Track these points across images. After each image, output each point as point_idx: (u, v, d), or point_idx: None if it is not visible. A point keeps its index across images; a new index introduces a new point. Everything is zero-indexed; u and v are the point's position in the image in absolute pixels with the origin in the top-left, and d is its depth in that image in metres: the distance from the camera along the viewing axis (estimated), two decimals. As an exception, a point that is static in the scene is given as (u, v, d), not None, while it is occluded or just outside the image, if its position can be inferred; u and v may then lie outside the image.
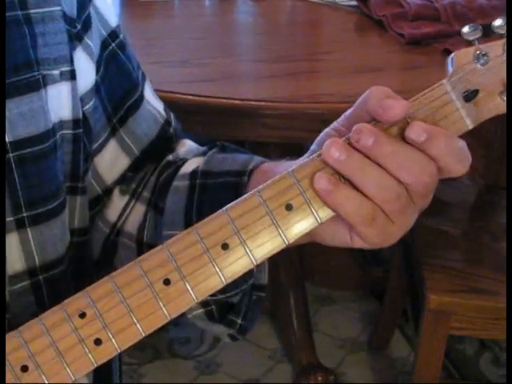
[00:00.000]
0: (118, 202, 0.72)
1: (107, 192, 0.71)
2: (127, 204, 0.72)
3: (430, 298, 1.34)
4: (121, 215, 0.72)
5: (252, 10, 1.80)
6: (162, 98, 1.29)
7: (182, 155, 0.73)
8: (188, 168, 0.68)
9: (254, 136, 1.33)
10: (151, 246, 0.68)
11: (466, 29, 0.55)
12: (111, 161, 0.71)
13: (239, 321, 0.68)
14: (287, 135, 1.31)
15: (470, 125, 0.54)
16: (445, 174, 0.54)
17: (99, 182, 0.71)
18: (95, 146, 0.69)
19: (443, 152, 0.51)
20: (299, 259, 1.83)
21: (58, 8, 0.62)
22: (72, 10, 0.63)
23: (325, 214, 0.52)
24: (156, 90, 1.28)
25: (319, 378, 1.74)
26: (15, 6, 0.59)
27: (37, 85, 0.60)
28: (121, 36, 0.71)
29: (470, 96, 0.54)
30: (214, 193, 0.64)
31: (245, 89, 1.36)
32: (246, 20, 1.80)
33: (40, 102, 0.60)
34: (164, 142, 0.75)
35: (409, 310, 1.70)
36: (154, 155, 0.73)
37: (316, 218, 0.52)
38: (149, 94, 0.75)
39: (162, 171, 0.71)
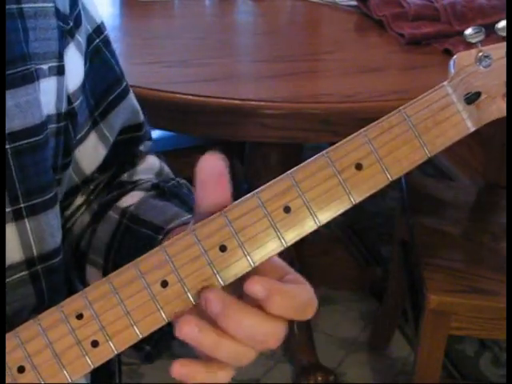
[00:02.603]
0: (77, 199, 0.73)
1: (85, 182, 0.73)
2: (81, 205, 0.73)
3: (429, 298, 1.34)
4: (72, 214, 0.73)
5: (252, 10, 1.80)
6: (162, 98, 1.29)
7: (136, 175, 0.74)
8: (126, 202, 0.69)
9: (254, 136, 1.33)
10: (83, 255, 0.70)
11: (468, 31, 0.54)
12: (91, 152, 0.72)
13: (148, 348, 0.68)
14: (287, 135, 1.31)
15: (471, 127, 0.53)
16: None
17: (78, 173, 0.72)
18: (77, 137, 0.70)
19: (284, 311, 0.51)
20: (299, 259, 1.83)
21: (51, 4, 0.62)
22: (65, 7, 0.64)
23: (324, 216, 0.52)
24: (156, 90, 1.29)
25: (319, 378, 1.74)
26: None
27: (31, 77, 0.60)
28: (105, 32, 0.72)
29: (471, 98, 0.53)
30: (133, 239, 0.65)
31: (245, 89, 1.36)
32: (246, 20, 1.80)
33: (35, 93, 0.61)
34: (134, 140, 0.76)
35: (409, 309, 1.70)
36: (122, 152, 0.74)
37: (315, 221, 0.52)
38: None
39: (112, 190, 0.72)
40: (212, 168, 0.51)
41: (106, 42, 0.71)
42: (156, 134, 1.64)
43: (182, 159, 1.86)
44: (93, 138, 0.71)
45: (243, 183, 1.78)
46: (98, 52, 0.70)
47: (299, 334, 1.79)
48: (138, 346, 0.67)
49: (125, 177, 0.74)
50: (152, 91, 1.25)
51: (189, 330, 0.50)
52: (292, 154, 1.71)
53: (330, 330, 1.94)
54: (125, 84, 0.74)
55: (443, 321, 1.37)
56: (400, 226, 1.70)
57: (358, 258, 2.17)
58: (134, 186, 0.72)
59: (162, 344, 0.68)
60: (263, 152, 1.72)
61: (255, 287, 0.50)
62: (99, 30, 0.71)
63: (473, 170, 2.49)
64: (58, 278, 0.65)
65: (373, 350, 1.89)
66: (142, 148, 0.77)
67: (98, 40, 0.70)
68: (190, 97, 1.26)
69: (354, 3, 1.74)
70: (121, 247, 0.66)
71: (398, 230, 1.73)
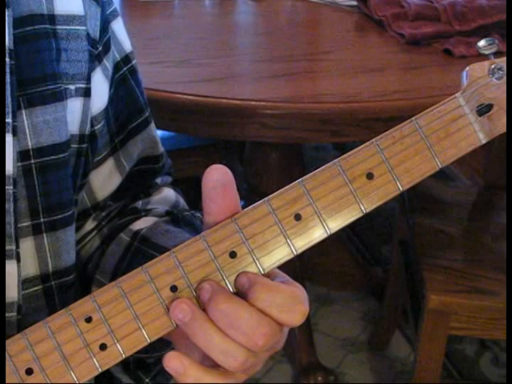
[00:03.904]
0: (88, 223, 0.73)
1: (95, 207, 0.73)
2: (92, 230, 0.73)
3: (429, 298, 1.34)
4: (83, 238, 0.73)
5: (252, 10, 1.80)
6: (162, 98, 1.29)
7: (151, 204, 0.74)
8: (138, 225, 0.70)
9: (254, 136, 1.33)
10: (90, 277, 0.70)
11: (482, 43, 0.54)
12: (105, 177, 0.72)
13: (147, 380, 0.68)
14: (287, 135, 1.31)
15: (483, 139, 0.53)
16: (283, 325, 0.52)
17: (90, 197, 0.72)
18: (94, 161, 0.70)
19: (266, 304, 0.50)
20: (299, 259, 1.83)
21: (83, 28, 0.64)
22: (95, 32, 0.65)
23: (335, 224, 0.52)
24: (156, 90, 1.29)
25: (319, 378, 1.74)
26: (45, 20, 0.61)
27: (61, 96, 0.61)
28: (133, 62, 0.72)
29: (483, 110, 0.53)
30: (142, 261, 0.65)
31: (245, 89, 1.36)
32: (246, 20, 1.80)
33: (63, 112, 0.61)
34: (151, 171, 0.76)
35: (409, 310, 1.70)
36: (137, 182, 0.74)
37: (325, 229, 0.52)
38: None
39: (124, 216, 0.73)
40: (218, 178, 0.51)
41: (133, 71, 0.72)
42: (156, 134, 1.64)
43: (182, 159, 1.87)
44: (110, 163, 0.72)
45: (243, 183, 1.78)
46: (124, 81, 0.71)
47: (299, 334, 1.79)
48: (137, 378, 0.68)
49: (139, 204, 0.74)
50: (152, 91, 1.25)
51: (182, 314, 0.50)
52: (292, 154, 1.71)
53: (330, 330, 1.94)
54: (147, 114, 0.74)
55: (443, 321, 1.37)
56: (400, 226, 1.70)
57: (358, 258, 2.17)
58: (147, 212, 0.73)
59: (161, 377, 0.69)
60: (263, 152, 1.72)
61: (242, 279, 0.51)
62: (127, 58, 0.71)
63: (473, 170, 2.49)
64: (70, 295, 0.65)
65: (373, 350, 1.89)
66: (158, 181, 0.77)
67: (125, 68, 0.71)
68: (190, 97, 1.26)
69: (354, 3, 1.74)
70: (128, 269, 0.66)
71: (398, 230, 1.73)
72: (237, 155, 2.31)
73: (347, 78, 1.40)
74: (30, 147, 0.59)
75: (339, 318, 1.98)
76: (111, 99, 0.69)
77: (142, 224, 0.70)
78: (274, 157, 1.69)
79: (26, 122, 0.59)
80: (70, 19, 0.62)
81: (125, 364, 0.68)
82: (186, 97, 1.26)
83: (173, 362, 0.51)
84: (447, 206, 1.64)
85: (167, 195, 0.76)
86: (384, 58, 1.51)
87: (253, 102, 1.26)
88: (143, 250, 0.67)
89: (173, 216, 0.72)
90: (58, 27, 0.62)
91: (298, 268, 1.86)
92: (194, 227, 0.70)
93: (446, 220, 1.57)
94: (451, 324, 1.37)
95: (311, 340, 1.81)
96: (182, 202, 0.77)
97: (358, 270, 2.12)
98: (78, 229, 0.72)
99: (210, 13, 1.82)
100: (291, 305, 0.51)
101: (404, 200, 1.64)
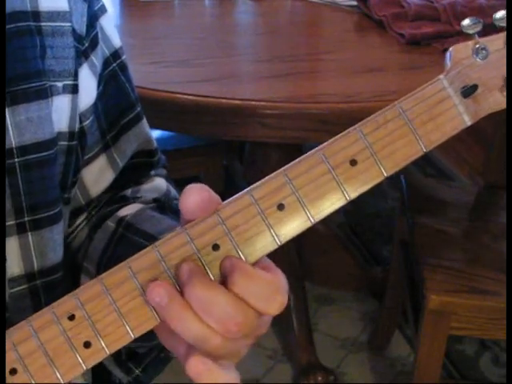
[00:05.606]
0: (80, 217, 0.73)
1: (89, 204, 0.73)
2: (82, 221, 0.73)
3: (429, 298, 1.34)
4: (74, 230, 0.73)
5: (252, 10, 1.80)
6: (162, 98, 1.29)
7: (140, 192, 0.74)
8: (124, 212, 0.70)
9: (254, 136, 1.33)
10: (79, 266, 0.70)
11: (466, 22, 0.53)
12: (98, 174, 0.72)
13: (137, 371, 0.68)
14: (287, 135, 1.31)
15: (468, 121, 0.52)
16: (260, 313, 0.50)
17: (83, 194, 0.72)
18: (85, 158, 0.70)
19: (243, 291, 0.49)
20: (299, 259, 1.83)
21: (69, 24, 0.63)
22: (81, 28, 0.65)
23: (318, 213, 0.51)
24: (156, 90, 1.29)
25: (319, 378, 1.74)
26: (29, 17, 0.60)
27: (45, 93, 0.61)
28: (123, 57, 0.72)
29: (468, 91, 0.52)
30: (126, 247, 0.65)
31: (245, 89, 1.36)
32: (246, 20, 1.80)
33: (48, 109, 0.61)
34: (145, 164, 0.76)
35: (409, 310, 1.70)
36: (131, 175, 0.74)
37: (309, 218, 0.51)
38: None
39: (113, 203, 0.72)
40: (195, 200, 0.50)
41: (123, 67, 0.72)
42: (156, 133, 1.64)
43: (182, 159, 1.87)
44: (102, 160, 0.71)
45: (243, 183, 1.78)
46: (114, 76, 0.71)
47: (299, 334, 1.79)
48: (128, 370, 0.68)
49: (128, 192, 0.74)
50: (152, 91, 1.25)
51: (159, 297, 0.49)
52: (292, 154, 1.71)
53: (330, 330, 1.94)
54: (138, 110, 0.74)
55: (443, 321, 1.37)
56: (400, 226, 1.70)
57: (358, 257, 2.17)
58: (135, 200, 0.72)
59: (151, 369, 0.68)
60: (263, 152, 1.72)
61: (225, 262, 0.50)
62: (117, 54, 0.71)
63: (473, 169, 2.49)
64: (57, 294, 0.64)
65: (373, 350, 1.89)
66: (152, 173, 0.77)
67: (114, 64, 0.70)
68: (190, 97, 1.26)
69: (354, 3, 1.74)
70: (113, 255, 0.66)
71: (398, 230, 1.73)
72: (237, 155, 2.31)
73: (347, 78, 1.40)
74: (14, 146, 0.59)
75: (339, 318, 1.98)
76: (100, 95, 0.68)
77: (127, 210, 0.70)
78: (274, 157, 1.69)
79: (8, 120, 0.58)
80: (55, 16, 0.62)
81: (117, 356, 0.67)
82: (186, 97, 1.26)
83: (196, 366, 0.50)
84: (447, 206, 1.63)
85: (158, 184, 0.76)
86: (384, 58, 1.51)
87: (253, 102, 1.26)
88: (127, 237, 0.66)
89: (159, 203, 0.71)
90: (43, 24, 0.61)
91: (298, 268, 1.86)
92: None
93: (446, 220, 1.57)
94: (451, 324, 1.37)
95: (311, 340, 1.81)
96: (173, 191, 0.76)
97: (358, 270, 2.12)
98: (70, 225, 0.72)
99: (210, 13, 1.82)
100: (269, 294, 0.50)
101: (404, 200, 1.64)
